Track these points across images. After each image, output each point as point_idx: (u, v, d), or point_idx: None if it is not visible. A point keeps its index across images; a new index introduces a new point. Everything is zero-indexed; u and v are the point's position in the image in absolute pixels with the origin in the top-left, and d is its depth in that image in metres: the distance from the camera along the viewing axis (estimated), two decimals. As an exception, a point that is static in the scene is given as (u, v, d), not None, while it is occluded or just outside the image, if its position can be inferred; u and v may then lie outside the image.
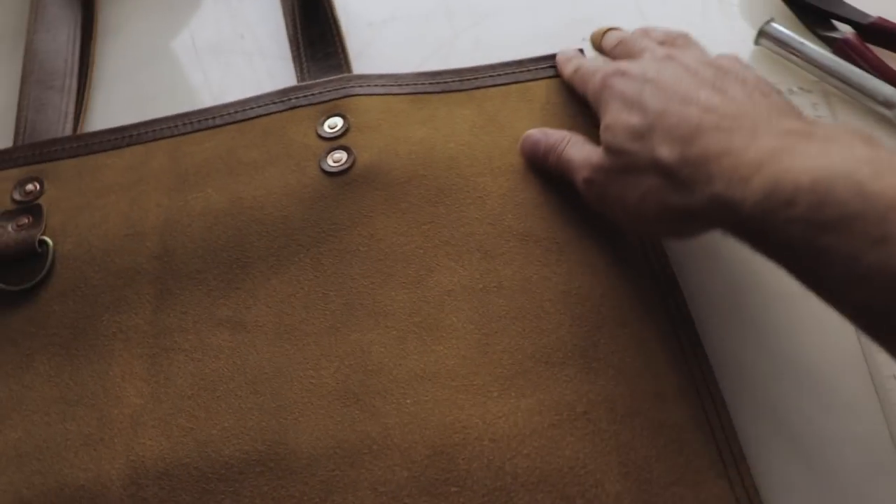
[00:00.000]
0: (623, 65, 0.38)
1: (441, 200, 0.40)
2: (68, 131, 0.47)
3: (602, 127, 0.36)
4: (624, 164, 0.34)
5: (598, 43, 0.45)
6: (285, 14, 0.51)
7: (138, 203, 0.41)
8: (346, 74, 0.45)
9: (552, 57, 0.45)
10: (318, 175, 0.41)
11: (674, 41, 0.40)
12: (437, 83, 0.44)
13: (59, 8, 0.52)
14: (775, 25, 0.46)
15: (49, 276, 0.40)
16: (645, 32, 0.42)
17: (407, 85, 0.44)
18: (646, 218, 0.34)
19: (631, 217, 0.35)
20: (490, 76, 0.45)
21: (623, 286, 0.37)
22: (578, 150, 0.38)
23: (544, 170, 0.40)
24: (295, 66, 0.48)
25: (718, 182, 0.29)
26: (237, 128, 0.43)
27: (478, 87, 0.44)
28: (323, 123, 0.42)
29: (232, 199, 0.41)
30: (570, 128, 0.41)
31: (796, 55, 0.45)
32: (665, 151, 0.32)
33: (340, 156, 0.41)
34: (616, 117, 0.35)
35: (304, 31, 0.49)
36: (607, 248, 0.38)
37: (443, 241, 0.39)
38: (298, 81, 0.47)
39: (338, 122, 0.42)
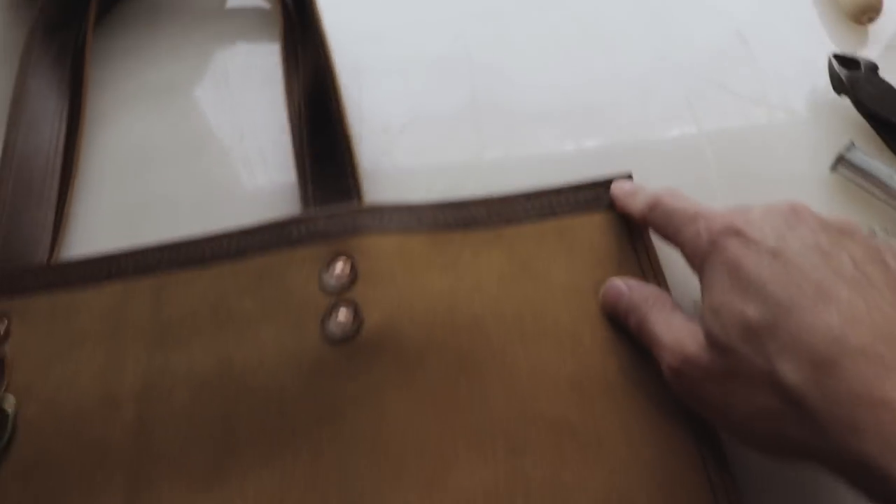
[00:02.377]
0: (736, 219, 0.30)
1: (462, 374, 0.34)
2: (45, 245, 0.42)
3: (706, 304, 0.30)
4: (729, 367, 0.28)
5: None
6: (291, 117, 0.45)
7: (114, 358, 0.36)
8: (355, 206, 0.39)
9: (598, 185, 0.39)
10: (319, 339, 0.35)
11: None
12: (461, 216, 0.38)
13: (43, 100, 0.47)
14: (857, 150, 0.39)
15: (8, 449, 0.34)
16: None
17: (426, 220, 0.38)
18: (751, 437, 0.29)
19: (732, 430, 0.30)
20: (522, 207, 0.39)
21: (674, 493, 0.31)
22: (666, 326, 0.31)
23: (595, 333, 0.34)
24: (299, 185, 0.42)
25: (870, 440, 0.23)
26: (230, 268, 0.37)
27: (508, 223, 0.38)
28: (327, 268, 0.37)
29: (220, 361, 0.35)
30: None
31: (881, 188, 0.38)
32: (789, 369, 0.25)
33: (347, 317, 0.35)
34: (726, 300, 0.28)
35: (310, 140, 0.43)
36: (658, 443, 0.32)
37: (463, 427, 0.33)
38: (301, 203, 0.41)
39: (345, 268, 0.36)
